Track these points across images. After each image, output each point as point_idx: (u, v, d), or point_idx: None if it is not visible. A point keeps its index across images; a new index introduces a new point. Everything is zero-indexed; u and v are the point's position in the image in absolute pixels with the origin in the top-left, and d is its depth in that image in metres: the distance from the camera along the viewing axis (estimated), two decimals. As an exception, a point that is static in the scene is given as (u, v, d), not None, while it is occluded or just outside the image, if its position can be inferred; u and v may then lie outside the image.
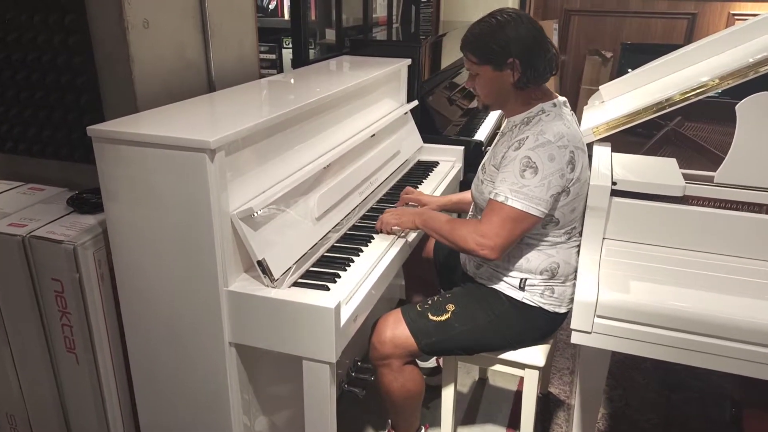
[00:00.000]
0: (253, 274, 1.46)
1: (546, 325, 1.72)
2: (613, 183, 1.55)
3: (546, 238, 1.63)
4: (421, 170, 2.45)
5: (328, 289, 1.48)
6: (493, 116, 3.49)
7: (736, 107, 1.51)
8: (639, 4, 4.22)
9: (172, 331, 1.47)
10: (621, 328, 1.43)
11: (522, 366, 1.74)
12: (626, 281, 1.48)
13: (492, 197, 1.56)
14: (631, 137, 2.09)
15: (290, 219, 1.55)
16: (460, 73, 3.57)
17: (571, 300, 1.71)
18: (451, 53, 3.40)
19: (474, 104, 3.55)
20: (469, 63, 1.64)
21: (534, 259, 1.65)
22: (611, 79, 4.65)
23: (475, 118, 3.43)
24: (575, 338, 1.49)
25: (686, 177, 1.60)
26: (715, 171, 1.87)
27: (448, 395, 1.88)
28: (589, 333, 1.46)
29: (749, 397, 1.62)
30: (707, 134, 2.40)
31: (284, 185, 1.53)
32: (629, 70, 3.69)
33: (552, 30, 4.27)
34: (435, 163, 2.54)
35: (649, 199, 1.56)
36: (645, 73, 2.08)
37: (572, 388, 2.38)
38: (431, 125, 2.83)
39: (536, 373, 1.74)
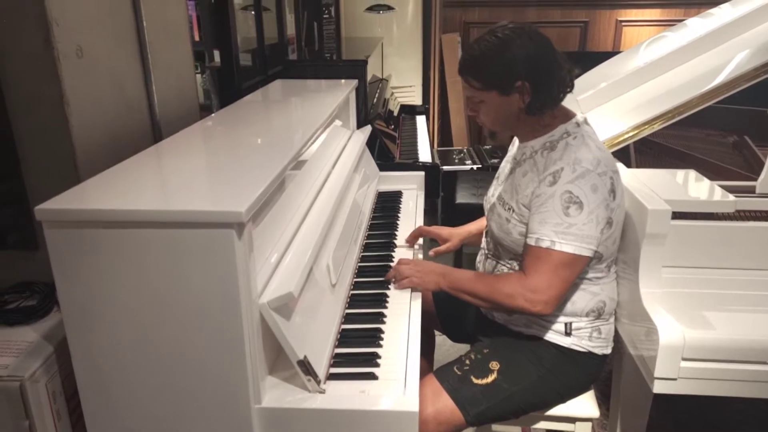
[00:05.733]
0: (281, 375, 1.10)
1: (596, 370, 1.52)
2: (665, 205, 1.40)
3: (588, 276, 1.44)
4: (387, 203, 2.17)
5: (375, 377, 1.16)
6: (424, 131, 3.32)
7: (771, 112, 1.43)
8: (534, 14, 4.30)
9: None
10: (710, 369, 1.28)
11: (573, 420, 1.53)
12: (702, 314, 1.32)
13: (533, 243, 1.34)
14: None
15: (313, 293, 1.21)
16: (378, 89, 3.35)
17: (613, 337, 1.54)
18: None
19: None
20: (471, 89, 1.41)
21: (579, 301, 1.45)
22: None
23: (408, 137, 3.23)
24: (659, 387, 1.31)
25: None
26: (712, 178, 1.83)
27: (486, 466, 1.61)
28: (675, 379, 1.29)
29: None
30: (668, 139, 2.38)
31: (304, 251, 1.18)
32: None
33: (456, 43, 4.20)
34: (398, 194, 2.26)
35: (699, 218, 1.42)
36: (621, 82, 1.99)
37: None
38: (380, 150, 2.56)
39: (589, 425, 1.54)
